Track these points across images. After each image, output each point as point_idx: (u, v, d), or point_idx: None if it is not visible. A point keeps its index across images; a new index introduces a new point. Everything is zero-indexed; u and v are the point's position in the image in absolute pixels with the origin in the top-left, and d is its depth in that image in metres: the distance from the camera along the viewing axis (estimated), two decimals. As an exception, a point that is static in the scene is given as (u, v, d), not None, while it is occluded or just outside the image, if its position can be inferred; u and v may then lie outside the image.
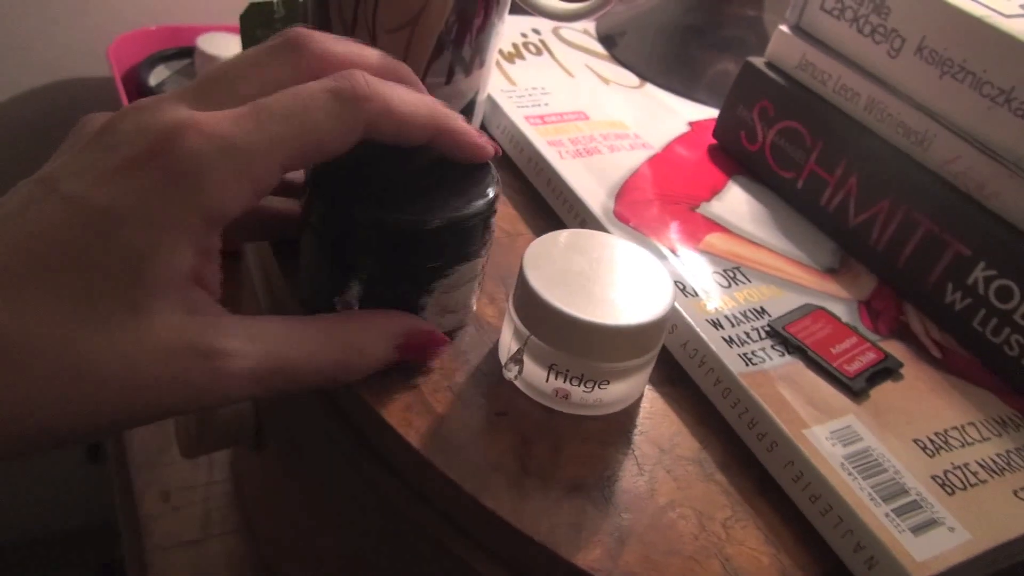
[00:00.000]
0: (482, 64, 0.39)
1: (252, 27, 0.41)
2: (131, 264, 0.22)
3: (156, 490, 0.44)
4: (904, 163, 0.37)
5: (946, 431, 0.30)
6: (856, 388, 0.31)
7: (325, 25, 0.37)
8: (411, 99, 0.27)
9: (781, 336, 0.32)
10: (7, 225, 0.22)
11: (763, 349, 0.32)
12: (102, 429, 0.23)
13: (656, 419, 0.31)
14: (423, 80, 0.38)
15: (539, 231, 0.39)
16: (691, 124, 0.47)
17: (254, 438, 0.37)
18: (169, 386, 0.23)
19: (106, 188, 0.22)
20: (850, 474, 0.28)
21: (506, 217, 0.40)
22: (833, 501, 0.27)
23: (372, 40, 0.36)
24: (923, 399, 0.31)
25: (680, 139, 0.45)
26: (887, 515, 0.27)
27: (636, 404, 0.31)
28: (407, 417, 0.29)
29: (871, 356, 0.32)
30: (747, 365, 0.31)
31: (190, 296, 0.24)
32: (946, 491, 0.28)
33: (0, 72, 0.72)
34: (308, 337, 0.26)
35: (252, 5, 0.41)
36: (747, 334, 0.32)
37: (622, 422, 0.31)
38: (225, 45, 0.65)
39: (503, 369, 0.31)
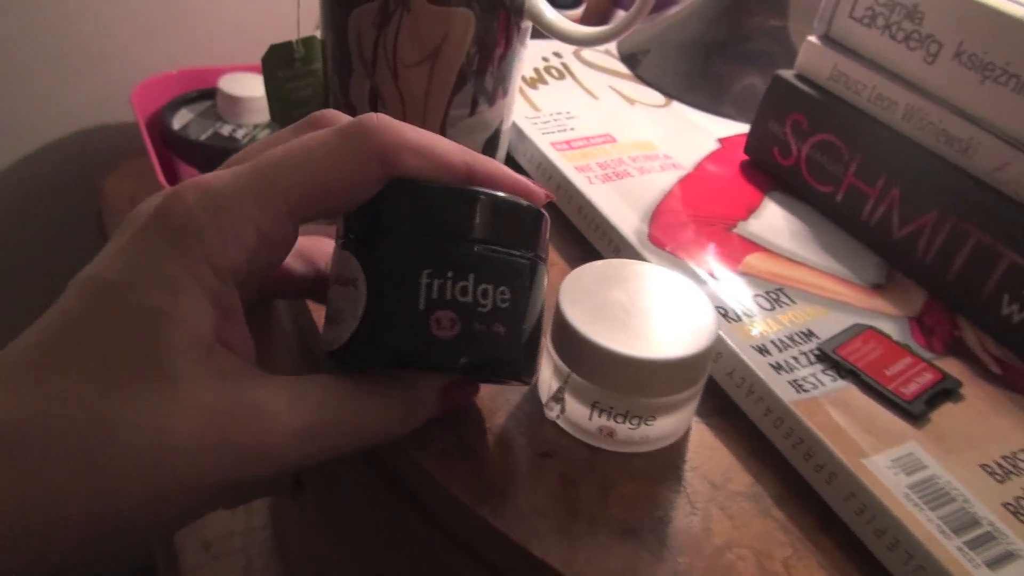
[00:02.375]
0: (505, 93, 0.39)
1: (274, 69, 0.41)
2: (147, 328, 0.21)
3: (196, 540, 0.43)
4: (949, 172, 0.35)
5: (1014, 453, 0.29)
6: (915, 412, 0.29)
7: (345, 63, 0.37)
8: (434, 136, 0.25)
9: (832, 360, 0.31)
10: (34, 324, 0.22)
11: (813, 375, 0.31)
12: (145, 520, 0.20)
13: (706, 453, 0.30)
14: (446, 113, 0.37)
15: (572, 260, 0.38)
16: (721, 141, 0.46)
17: (292, 487, 0.36)
18: (212, 454, 0.21)
19: (116, 262, 0.22)
20: (916, 505, 0.26)
21: (537, 247, 0.39)
22: (900, 535, 0.26)
23: (394, 76, 0.36)
24: (986, 420, 0.30)
25: (711, 157, 0.44)
26: (959, 548, 0.25)
27: (684, 438, 0.30)
28: (447, 463, 0.28)
29: (928, 377, 0.31)
30: (798, 392, 0.30)
31: (218, 357, 0.22)
32: (1020, 520, 0.26)
33: (27, 123, 0.73)
34: (354, 394, 0.24)
35: (272, 47, 0.40)
36: (795, 359, 0.31)
37: (670, 458, 0.29)
38: (246, 85, 0.66)
39: (544, 408, 0.30)
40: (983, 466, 0.28)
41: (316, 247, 0.30)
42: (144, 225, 0.22)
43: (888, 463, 0.28)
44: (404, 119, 0.37)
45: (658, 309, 0.29)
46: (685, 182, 0.41)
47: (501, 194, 0.25)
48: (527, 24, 0.38)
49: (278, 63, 0.41)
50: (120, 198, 0.70)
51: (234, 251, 0.22)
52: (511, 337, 0.25)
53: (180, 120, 0.67)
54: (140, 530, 0.21)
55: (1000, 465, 0.28)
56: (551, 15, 0.37)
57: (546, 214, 0.27)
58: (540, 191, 0.27)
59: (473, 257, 0.24)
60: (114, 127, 0.76)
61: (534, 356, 0.26)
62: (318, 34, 0.41)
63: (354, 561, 0.37)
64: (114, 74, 0.73)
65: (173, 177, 0.65)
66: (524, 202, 0.26)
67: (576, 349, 0.28)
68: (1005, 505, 0.27)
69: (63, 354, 0.21)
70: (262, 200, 0.22)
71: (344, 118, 0.25)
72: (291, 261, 0.29)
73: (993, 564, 0.25)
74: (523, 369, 0.26)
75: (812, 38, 0.41)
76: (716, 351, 0.32)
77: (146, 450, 0.20)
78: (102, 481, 0.20)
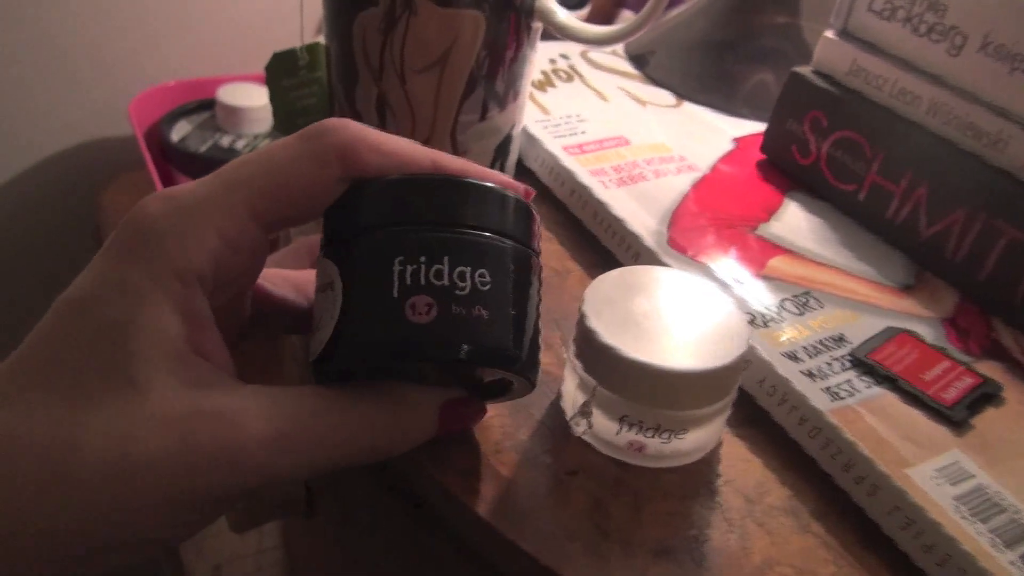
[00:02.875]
0: (516, 96, 0.38)
1: (277, 77, 0.40)
2: (112, 338, 0.20)
3: (206, 564, 0.42)
4: (978, 168, 0.34)
5: (1062, 459, 0.27)
6: (957, 418, 0.28)
7: (351, 70, 0.36)
8: (398, 137, 0.25)
9: (866, 365, 0.30)
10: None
11: (848, 381, 0.29)
12: (119, 534, 0.20)
13: (739, 466, 0.29)
14: (456, 119, 0.36)
15: (589, 267, 0.37)
16: (736, 141, 0.44)
17: (305, 507, 0.35)
18: (180, 462, 0.20)
19: (85, 278, 0.22)
20: (965, 517, 0.25)
21: (553, 254, 0.38)
22: (950, 550, 0.24)
23: (401, 82, 0.35)
24: (1030, 425, 0.29)
25: (726, 158, 0.43)
26: (1013, 563, 0.24)
27: (715, 451, 0.29)
28: (470, 483, 0.27)
29: (968, 381, 0.30)
30: (833, 400, 0.28)
31: (189, 365, 0.21)
32: (1074, 530, 0.25)
33: (24, 136, 0.72)
34: (335, 406, 0.23)
35: (276, 55, 0.39)
36: (828, 365, 0.30)
37: (703, 472, 0.28)
38: (246, 95, 0.65)
39: (570, 423, 0.29)
40: (1031, 474, 0.27)
41: (312, 279, 0.29)
42: (111, 238, 0.22)
43: (932, 473, 0.26)
44: (413, 126, 0.36)
45: (686, 317, 0.28)
46: (702, 184, 0.40)
47: (472, 179, 0.24)
48: (537, 25, 0.36)
49: (282, 71, 0.40)
50: (119, 212, 0.69)
51: (197, 256, 0.22)
52: (496, 321, 0.23)
53: (179, 132, 0.65)
54: (120, 546, 0.20)
55: (1049, 472, 0.27)
56: (562, 16, 0.36)
57: (532, 207, 0.25)
58: (518, 185, 0.26)
59: (445, 240, 0.23)
60: (112, 140, 0.75)
61: (534, 351, 0.25)
62: (321, 40, 0.40)
63: (371, 583, 0.36)
64: (111, 85, 0.72)
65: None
66: (500, 188, 0.25)
67: (603, 361, 0.26)
68: (1057, 515, 0.25)
69: (30, 372, 0.20)
70: (223, 204, 0.22)
71: (351, 125, 0.24)
72: (288, 294, 0.28)
73: (1051, 579, 0.24)
74: (518, 359, 0.24)
75: (829, 33, 0.39)
76: (745, 359, 0.30)
77: (111, 460, 0.19)
78: (66, 493, 0.19)
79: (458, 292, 0.23)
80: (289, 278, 0.28)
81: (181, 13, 0.72)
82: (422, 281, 0.22)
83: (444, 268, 0.23)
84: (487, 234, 0.24)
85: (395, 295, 0.22)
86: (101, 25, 0.70)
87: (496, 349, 0.23)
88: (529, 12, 0.35)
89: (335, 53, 0.36)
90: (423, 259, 0.23)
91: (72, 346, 0.20)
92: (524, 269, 0.24)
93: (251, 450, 0.21)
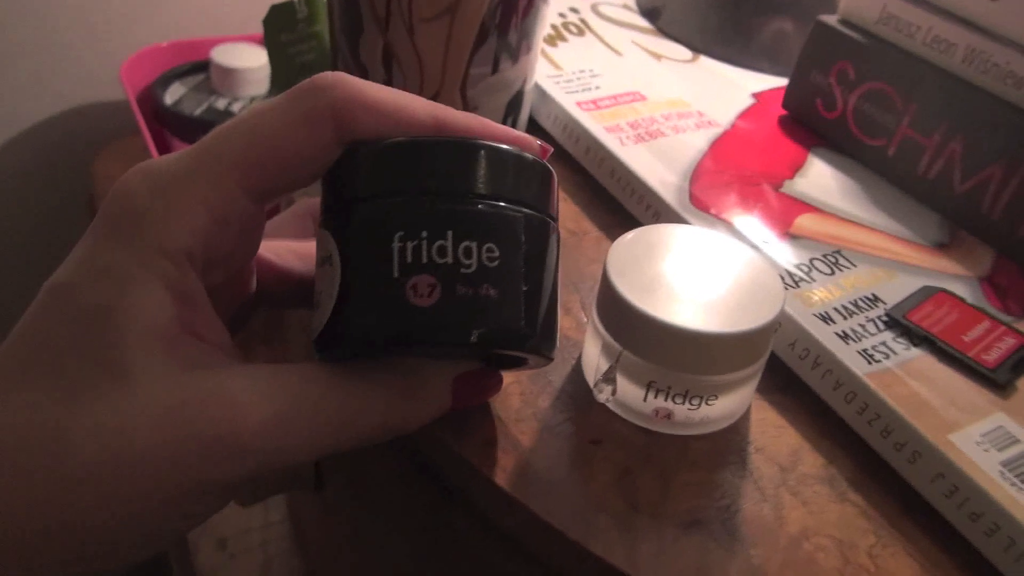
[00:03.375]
0: (529, 50, 0.36)
1: (275, 31, 0.38)
2: (99, 324, 0.19)
3: (211, 538, 0.41)
4: (1017, 119, 0.32)
5: (1111, 423, 0.26)
6: (1001, 380, 0.27)
7: (356, 20, 0.34)
8: (397, 91, 0.22)
9: (903, 326, 0.28)
10: None
11: (884, 343, 0.28)
12: (116, 529, 0.18)
13: (771, 433, 0.27)
14: (466, 72, 0.34)
15: (606, 227, 0.35)
16: (755, 96, 0.43)
17: (314, 480, 0.34)
18: (174, 451, 0.19)
19: (69, 262, 0.20)
20: (1013, 484, 0.24)
21: (568, 215, 0.36)
22: (999, 519, 0.23)
23: (409, 32, 0.33)
24: (1076, 387, 0.27)
25: (746, 113, 0.41)
26: (1066, 531, 0.23)
27: (745, 418, 0.28)
28: (491, 453, 0.25)
29: (1010, 341, 0.28)
30: (869, 363, 0.27)
31: (183, 348, 0.20)
32: None
33: (14, 105, 0.70)
34: (341, 383, 0.21)
35: (273, 7, 0.37)
36: (862, 327, 0.28)
37: (733, 440, 0.27)
38: (241, 56, 0.62)
39: (593, 390, 0.27)
40: (1080, 438, 0.25)
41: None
42: (95, 218, 0.21)
43: (977, 438, 0.25)
44: (421, 80, 0.34)
45: (714, 277, 0.26)
46: (722, 140, 0.38)
47: (479, 140, 0.22)
48: (551, -29, 0.34)
49: (280, 24, 0.38)
50: (113, 180, 0.67)
51: (183, 232, 0.20)
52: (507, 300, 0.21)
53: (173, 95, 0.63)
54: (121, 543, 0.19)
55: (1098, 437, 0.26)
56: (577, -40, 0.34)
57: (547, 165, 0.23)
58: (533, 141, 0.24)
59: (448, 212, 0.21)
60: (104, 105, 0.73)
61: (549, 325, 0.22)
62: (321, -8, 0.38)
63: (383, 558, 0.35)
64: (102, 48, 0.70)
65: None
66: (511, 148, 0.22)
67: (628, 324, 0.25)
68: (1109, 481, 0.24)
69: (15, 364, 0.19)
70: (208, 175, 0.20)
71: (345, 80, 0.22)
72: (293, 265, 0.26)
73: (1107, 548, 0.22)
74: (532, 337, 0.22)
75: (857, -21, 0.37)
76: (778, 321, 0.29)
77: (102, 454, 0.18)
78: (55, 491, 0.18)
79: (463, 270, 0.21)
80: (293, 249, 0.27)
81: (172, -28, 0.70)
82: (424, 259, 0.20)
83: (448, 244, 0.21)
84: (496, 203, 0.21)
85: (395, 275, 0.20)
86: (90, -15, 0.68)
87: (507, 331, 0.21)
88: (542, -43, 0.33)
89: (338, 2, 0.34)
90: (424, 234, 0.21)
91: (58, 335, 0.19)
92: (539, 238, 0.22)
93: (253, 433, 0.19)
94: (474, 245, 0.21)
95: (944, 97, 0.34)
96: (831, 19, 0.39)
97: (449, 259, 0.21)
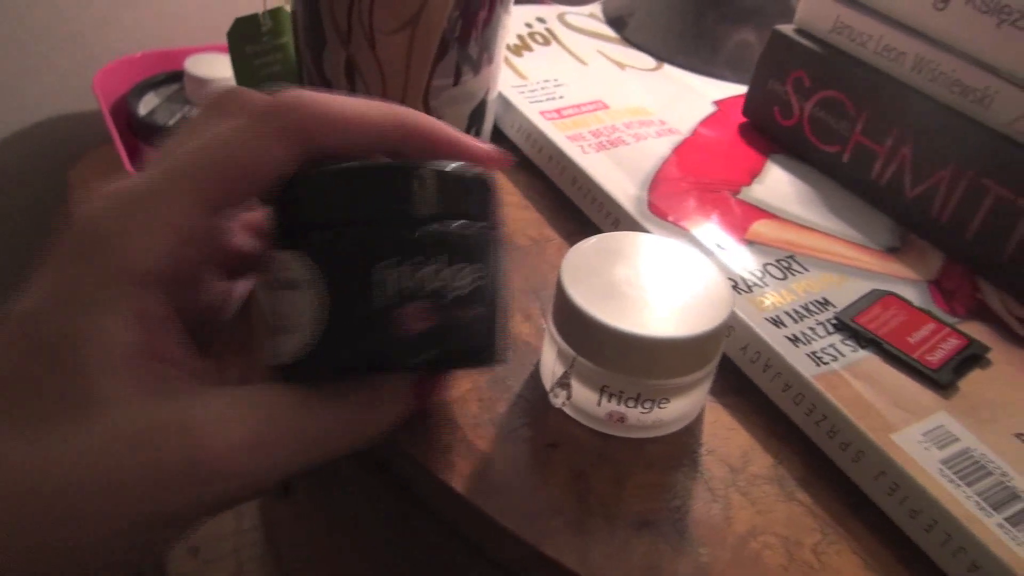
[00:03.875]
0: (491, 60, 0.36)
1: (240, 44, 0.38)
2: (63, 352, 0.19)
3: (183, 545, 0.41)
4: (963, 125, 0.33)
5: (1049, 421, 0.27)
6: (943, 381, 0.28)
7: (319, 34, 0.34)
8: (359, 101, 0.23)
9: (851, 329, 0.29)
10: None
11: (832, 345, 0.29)
12: (80, 565, 0.18)
13: (722, 435, 0.28)
14: (428, 83, 0.35)
15: (568, 234, 0.36)
16: (717, 103, 0.43)
17: (280, 488, 0.34)
18: (139, 479, 0.18)
19: (31, 287, 0.20)
20: (951, 481, 0.25)
21: (531, 222, 0.37)
22: (937, 514, 0.24)
23: (371, 45, 0.33)
24: (1018, 385, 0.28)
25: (707, 121, 0.42)
26: (1000, 525, 0.23)
27: (698, 420, 0.28)
28: (448, 459, 0.26)
29: (954, 343, 0.29)
30: (817, 365, 0.28)
31: (148, 373, 0.19)
32: (1062, 491, 0.25)
33: (-12, 115, 0.70)
34: (311, 399, 0.21)
35: (238, 20, 0.38)
36: (812, 330, 0.29)
37: (685, 442, 0.28)
38: (215, 66, 0.62)
39: (549, 395, 0.28)
40: (1019, 435, 0.26)
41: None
42: (56, 242, 0.20)
43: (919, 437, 0.26)
44: (384, 91, 0.35)
45: (667, 284, 0.27)
46: (683, 148, 0.39)
47: (447, 164, 0.22)
48: (511, -16, 0.35)
49: (245, 37, 0.38)
50: (88, 188, 0.67)
51: (149, 254, 0.20)
52: (486, 319, 0.22)
53: (146, 105, 0.63)
54: (87, 567, 0.18)
55: (1036, 434, 0.26)
56: (536, -27, 0.35)
57: (484, 174, 0.23)
58: (492, 150, 0.25)
59: (429, 237, 0.21)
60: (78, 115, 0.73)
61: (504, 334, 0.24)
62: (286, 5, 0.39)
63: (354, 560, 0.35)
64: (75, 59, 0.70)
65: (141, 165, 0.62)
66: (470, 168, 0.23)
67: (582, 330, 0.26)
68: (1045, 477, 0.25)
69: None
70: (169, 195, 0.20)
71: (254, 98, 0.22)
72: (241, 239, 0.26)
73: (1039, 542, 0.23)
74: (495, 356, 0.23)
75: (811, -11, 0.38)
76: (728, 326, 0.30)
77: (67, 486, 0.18)
78: (17, 523, 0.17)
79: (450, 295, 0.21)
80: (246, 222, 0.26)
81: (146, -18, 0.70)
82: (409, 287, 0.21)
83: (429, 270, 0.21)
84: (471, 225, 0.22)
85: (379, 306, 0.21)
86: (63, -5, 0.68)
87: (476, 352, 0.22)
88: (501, -29, 0.34)
89: (301, 16, 0.35)
90: (408, 261, 0.21)
91: (21, 365, 0.19)
92: (500, 253, 0.23)
93: (223, 459, 0.19)
94: (456, 269, 0.21)
95: (895, 104, 0.35)
96: (787, 28, 0.40)
97: (436, 285, 0.21)
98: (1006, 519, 0.24)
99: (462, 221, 0.22)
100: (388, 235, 0.21)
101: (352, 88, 0.35)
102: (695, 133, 0.40)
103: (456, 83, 0.36)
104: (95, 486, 0.18)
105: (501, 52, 0.37)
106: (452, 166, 0.22)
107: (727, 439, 0.28)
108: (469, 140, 0.24)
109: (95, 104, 0.64)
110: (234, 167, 0.21)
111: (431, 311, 0.21)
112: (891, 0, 0.36)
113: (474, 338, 0.22)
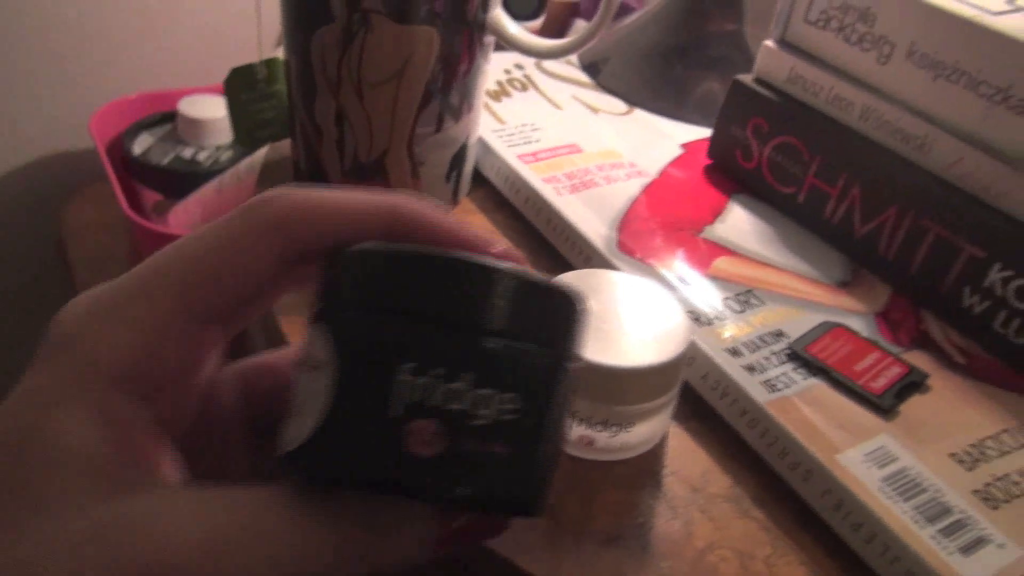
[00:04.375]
0: (471, 108, 0.39)
1: (236, 91, 0.41)
2: (15, 451, 0.18)
3: None
4: (906, 169, 0.36)
5: (981, 441, 0.29)
6: (885, 405, 0.30)
7: (310, 84, 0.37)
8: (348, 189, 0.21)
9: (802, 358, 0.32)
10: None
11: (785, 374, 0.31)
12: None
13: (684, 457, 0.30)
14: (412, 130, 0.38)
15: (544, 271, 0.38)
16: (684, 146, 0.46)
17: None
18: None
19: (9, 394, 0.19)
20: (890, 497, 0.27)
21: (509, 259, 0.39)
22: (876, 528, 0.26)
23: (359, 96, 0.36)
24: (954, 409, 0.31)
25: (675, 162, 0.44)
26: (933, 537, 0.26)
27: (662, 443, 0.31)
28: (430, 480, 0.28)
29: (896, 370, 0.32)
30: (771, 392, 0.30)
31: (109, 472, 0.18)
32: (989, 506, 0.27)
33: (-16, 152, 0.72)
34: (305, 507, 0.18)
35: (234, 71, 0.40)
36: (767, 359, 0.32)
37: (650, 463, 0.30)
38: (207, 107, 0.65)
39: (524, 421, 0.30)
40: (952, 455, 0.29)
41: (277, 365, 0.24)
42: (39, 346, 0.20)
43: (861, 457, 0.28)
44: (371, 138, 0.38)
45: (631, 317, 0.29)
46: (651, 189, 0.42)
47: (510, 265, 0.18)
48: (490, 39, 0.38)
49: (241, 86, 0.41)
50: (82, 225, 0.69)
51: (115, 353, 0.19)
52: (518, 461, 0.18)
53: (141, 145, 0.66)
54: None
55: (969, 453, 0.29)
56: (513, 30, 0.38)
57: (578, 296, 0.20)
58: (506, 251, 0.21)
59: (475, 350, 0.18)
60: (74, 154, 0.75)
61: (549, 486, 0.19)
62: (280, 54, 0.41)
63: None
64: (72, 100, 0.72)
65: (136, 203, 0.64)
66: (561, 285, 0.19)
67: (553, 361, 0.28)
68: (975, 492, 0.27)
69: None
70: (143, 294, 0.20)
71: (288, 192, 0.21)
72: (268, 382, 0.24)
73: (966, 550, 0.25)
74: (535, 507, 0.19)
75: (769, 42, 0.41)
76: (690, 356, 0.32)
77: None
78: None
79: (475, 422, 0.17)
80: (271, 364, 0.24)
81: (141, 27, 0.72)
82: (433, 401, 0.17)
83: (463, 387, 0.17)
84: (526, 347, 0.18)
85: (395, 413, 0.17)
86: (61, 40, 0.70)
87: (512, 498, 0.18)
88: (481, 27, 0.37)
89: (295, 67, 0.38)
90: (439, 371, 0.17)
91: None
92: (563, 384, 0.19)
93: (176, 559, 0.17)
94: (494, 394, 0.18)
95: (844, 149, 0.38)
96: (747, 78, 0.42)
97: (461, 406, 0.17)
98: (939, 531, 0.26)
99: (519, 341, 0.18)
100: (419, 335, 0.18)
101: (341, 134, 0.38)
102: (663, 174, 0.43)
103: (438, 130, 0.38)
104: None
105: (480, 99, 0.40)
106: (537, 276, 0.19)
107: (689, 461, 0.30)
108: (479, 236, 0.21)
109: (91, 142, 0.67)
110: (208, 264, 0.20)
111: (444, 434, 0.17)
112: (840, 54, 0.39)
113: (496, 481, 0.18)
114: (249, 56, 0.42)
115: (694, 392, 0.32)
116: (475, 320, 0.18)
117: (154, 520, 0.17)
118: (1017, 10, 0.34)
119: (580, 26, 0.61)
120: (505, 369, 0.18)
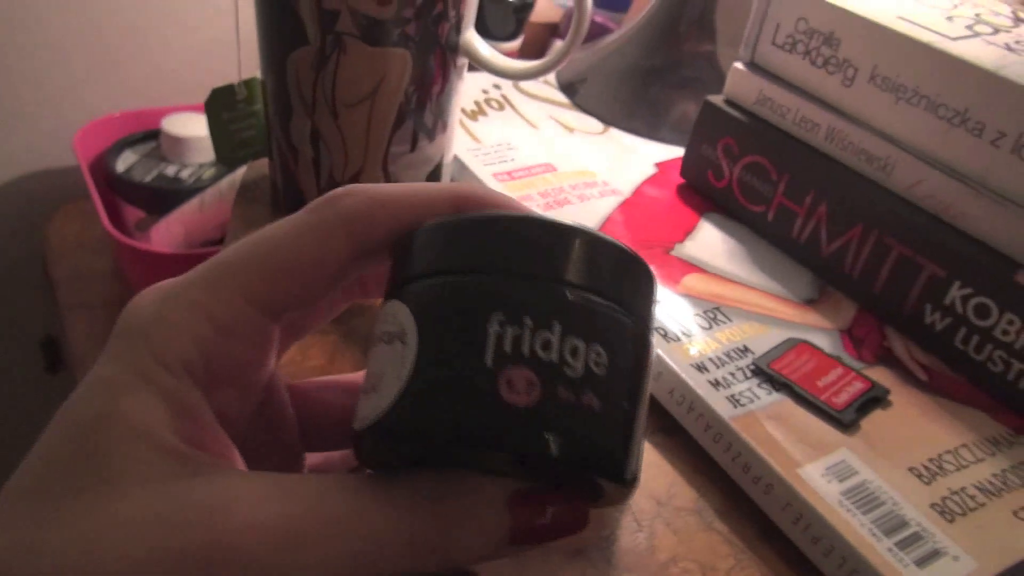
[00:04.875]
0: (445, 127, 0.40)
1: (216, 111, 0.41)
2: (89, 434, 0.18)
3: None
4: (870, 189, 0.37)
5: (940, 456, 0.30)
6: (846, 420, 0.31)
7: (286, 105, 0.38)
8: (412, 183, 0.22)
9: (766, 374, 0.32)
10: None
11: (750, 389, 0.32)
12: None
13: (650, 471, 0.31)
14: (387, 150, 0.38)
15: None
16: (657, 165, 0.47)
17: None
18: (159, 560, 0.17)
19: (80, 384, 0.20)
20: (849, 511, 0.27)
21: (483, 277, 0.40)
22: (835, 541, 0.27)
23: (333, 116, 0.37)
24: (914, 424, 0.31)
25: (648, 181, 0.45)
26: (890, 550, 0.26)
27: (629, 457, 0.31)
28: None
29: (858, 386, 0.32)
30: (735, 407, 0.31)
31: (178, 455, 0.18)
32: (946, 518, 0.28)
33: (-32, 170, 0.73)
34: (377, 493, 0.18)
35: (215, 91, 0.41)
36: (732, 375, 0.32)
37: (616, 478, 0.30)
38: (190, 125, 0.66)
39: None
40: (911, 469, 0.29)
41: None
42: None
43: (822, 471, 0.29)
44: (346, 158, 0.38)
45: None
46: (624, 207, 0.42)
47: (594, 230, 0.19)
48: (463, 60, 0.39)
49: (221, 105, 0.41)
50: (65, 242, 0.70)
51: (181, 343, 0.19)
52: (609, 415, 0.18)
53: (124, 162, 0.66)
54: None
55: (927, 467, 0.29)
56: (486, 52, 0.38)
57: (653, 273, 0.20)
58: None
59: (560, 301, 0.18)
60: (58, 172, 0.75)
61: (639, 451, 0.19)
62: (258, 75, 0.42)
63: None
64: (56, 118, 0.73)
65: (118, 220, 0.65)
66: (632, 251, 0.19)
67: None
68: (933, 505, 0.28)
69: (13, 488, 0.18)
70: (212, 286, 0.20)
71: (357, 187, 0.21)
72: (335, 397, 0.24)
73: (921, 562, 0.26)
74: (626, 467, 0.18)
75: (738, 64, 0.42)
76: (657, 371, 0.33)
77: (71, 568, 0.17)
78: None
79: (568, 372, 0.17)
80: (339, 383, 0.25)
81: (124, 47, 0.73)
82: (525, 350, 0.17)
83: (553, 338, 0.17)
84: (612, 305, 0.18)
85: (488, 363, 0.17)
86: (45, 59, 0.71)
87: (607, 454, 0.18)
88: (454, 49, 0.38)
89: (270, 88, 0.38)
90: (528, 321, 0.17)
91: (51, 451, 0.19)
92: (643, 352, 0.19)
93: (248, 542, 0.17)
94: (582, 344, 0.18)
95: (811, 169, 0.39)
96: (718, 99, 0.43)
97: (554, 356, 0.17)
98: (895, 544, 0.27)
99: (606, 299, 0.18)
100: (507, 287, 0.18)
101: (317, 154, 0.38)
102: (637, 193, 0.44)
103: (413, 149, 0.39)
104: (109, 564, 0.17)
105: (455, 119, 0.41)
106: (607, 237, 0.19)
107: (655, 475, 0.31)
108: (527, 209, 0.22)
109: (74, 160, 0.67)
110: (277, 259, 0.20)
111: (538, 383, 0.17)
112: (806, 77, 0.40)
113: (590, 432, 0.17)
114: (229, 75, 0.43)
115: (660, 407, 0.33)
116: (558, 273, 0.18)
117: (223, 502, 0.17)
118: (975, 35, 0.35)
119: (558, 47, 0.62)
120: (591, 321, 0.18)
